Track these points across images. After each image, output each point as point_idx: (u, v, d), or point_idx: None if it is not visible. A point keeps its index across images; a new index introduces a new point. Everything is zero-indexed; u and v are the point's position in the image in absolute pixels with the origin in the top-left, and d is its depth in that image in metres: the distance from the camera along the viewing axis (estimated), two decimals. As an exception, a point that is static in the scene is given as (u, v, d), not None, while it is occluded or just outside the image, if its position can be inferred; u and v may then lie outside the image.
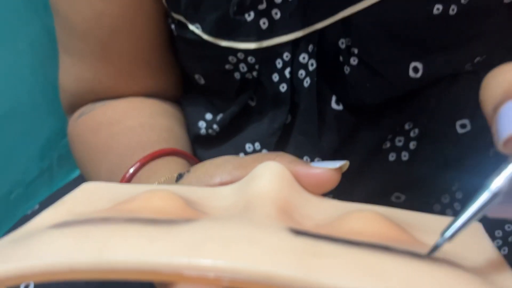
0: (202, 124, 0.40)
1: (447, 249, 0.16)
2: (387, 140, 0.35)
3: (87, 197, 0.20)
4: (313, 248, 0.14)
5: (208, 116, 0.40)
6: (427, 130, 0.35)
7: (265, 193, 0.18)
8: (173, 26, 0.37)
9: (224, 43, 0.33)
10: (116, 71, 0.39)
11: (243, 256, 0.14)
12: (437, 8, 0.30)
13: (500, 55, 0.35)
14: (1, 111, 0.46)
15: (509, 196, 0.15)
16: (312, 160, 0.35)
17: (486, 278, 0.15)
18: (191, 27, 0.35)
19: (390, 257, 0.14)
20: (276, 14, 0.32)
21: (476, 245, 0.17)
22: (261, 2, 0.32)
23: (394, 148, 0.36)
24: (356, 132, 0.35)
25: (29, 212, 0.40)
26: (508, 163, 0.15)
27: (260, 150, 0.37)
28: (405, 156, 0.36)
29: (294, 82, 0.34)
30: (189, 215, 0.17)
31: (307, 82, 0.33)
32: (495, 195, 0.15)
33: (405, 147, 0.36)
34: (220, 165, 0.22)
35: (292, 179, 0.19)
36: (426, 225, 0.19)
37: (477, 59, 0.34)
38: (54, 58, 0.42)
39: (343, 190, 0.36)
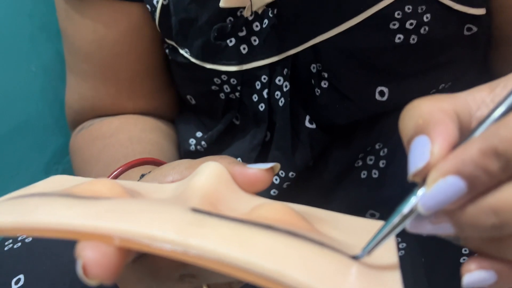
0: (192, 141, 0.43)
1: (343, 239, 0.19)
2: (358, 158, 0.38)
3: (52, 183, 0.23)
4: (200, 221, 0.17)
5: (198, 134, 0.43)
6: (396, 150, 0.38)
7: (199, 187, 0.21)
8: (167, 51, 0.41)
9: (209, 66, 0.37)
10: (115, 90, 0.43)
11: (131, 220, 0.17)
12: (399, 37, 0.34)
13: (465, 83, 0.38)
14: (11, 126, 0.50)
15: (420, 217, 0.17)
16: (286, 174, 0.37)
17: (373, 272, 0.17)
18: (181, 51, 0.39)
19: (266, 233, 0.17)
20: (255, 40, 0.36)
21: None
22: (241, 30, 0.35)
23: (365, 166, 0.38)
24: (329, 150, 0.38)
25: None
26: (416, 190, 0.17)
27: (241, 165, 0.40)
28: (375, 174, 0.38)
29: (271, 102, 0.37)
30: (121, 197, 0.20)
31: (281, 102, 0.36)
32: (405, 217, 0.17)
33: (376, 165, 0.38)
34: (174, 167, 0.25)
35: (229, 178, 0.22)
36: (337, 222, 0.22)
37: (442, 85, 0.37)
38: (63, 80, 0.47)
39: (318, 206, 0.38)
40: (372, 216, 0.39)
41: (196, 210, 0.18)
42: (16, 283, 0.35)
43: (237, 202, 0.21)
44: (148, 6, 0.38)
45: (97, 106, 0.44)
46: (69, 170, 0.58)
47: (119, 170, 0.34)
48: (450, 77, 0.37)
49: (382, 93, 0.35)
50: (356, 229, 0.21)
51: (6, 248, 0.39)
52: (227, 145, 0.41)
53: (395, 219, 0.18)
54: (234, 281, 0.22)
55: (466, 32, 0.35)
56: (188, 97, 0.42)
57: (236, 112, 0.40)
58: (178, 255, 0.16)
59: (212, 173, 0.21)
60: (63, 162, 0.55)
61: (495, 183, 0.17)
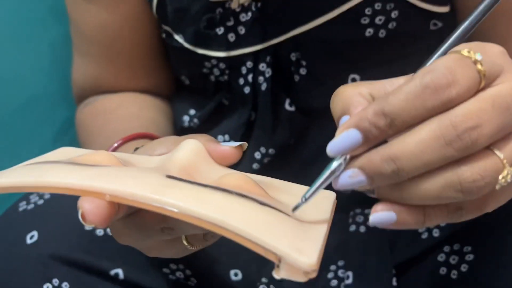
0: (186, 118, 0.47)
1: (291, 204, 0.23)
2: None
3: (60, 153, 0.29)
4: (171, 184, 0.22)
5: (192, 111, 0.47)
6: None
7: (178, 159, 0.25)
8: (164, 35, 0.45)
9: (200, 51, 0.41)
10: (116, 70, 0.47)
11: (119, 182, 0.22)
12: (369, 31, 0.37)
13: None
14: (22, 100, 0.54)
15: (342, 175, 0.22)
16: (267, 150, 0.42)
17: (304, 226, 0.22)
18: (176, 36, 0.43)
19: (221, 194, 0.22)
20: (241, 30, 0.40)
21: (319, 207, 0.25)
22: (229, 20, 0.39)
23: None
24: (307, 130, 0.42)
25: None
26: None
27: (229, 141, 0.44)
28: None
29: (255, 86, 0.41)
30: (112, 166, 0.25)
31: (264, 86, 0.40)
32: (333, 172, 0.22)
33: None
34: (161, 142, 0.30)
35: (205, 153, 0.27)
36: (287, 189, 0.27)
37: (410, 74, 0.41)
38: (70, 58, 0.51)
39: (298, 178, 0.43)
40: (345, 191, 0.44)
41: (170, 177, 0.23)
42: (31, 238, 0.40)
43: (210, 173, 0.26)
44: None
45: (100, 84, 0.48)
46: (75, 141, 0.63)
47: (118, 143, 0.39)
48: (417, 66, 0.41)
49: (354, 80, 0.40)
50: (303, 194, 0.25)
51: (20, 209, 0.44)
52: (217, 122, 0.46)
53: (325, 173, 0.22)
54: (209, 233, 0.27)
55: (432, 27, 0.39)
56: (182, 77, 0.47)
57: (225, 93, 0.44)
58: (152, 208, 0.21)
59: (190, 149, 0.26)
60: (69, 134, 0.60)
61: (384, 137, 0.21)
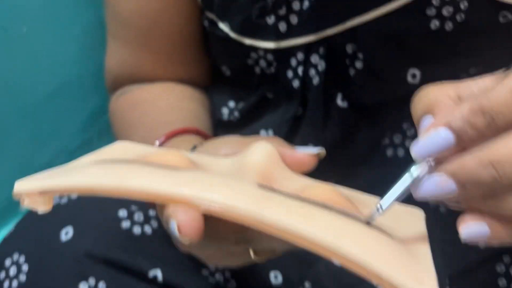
0: (225, 111, 0.45)
1: (383, 222, 0.21)
2: (386, 136, 0.40)
3: (118, 149, 0.26)
4: (267, 196, 0.20)
5: (231, 103, 0.45)
6: None
7: (252, 165, 0.23)
8: (206, 23, 0.43)
9: (248, 41, 0.39)
10: (154, 58, 0.45)
11: (217, 191, 0.20)
12: (434, 24, 0.34)
13: (495, 68, 0.39)
14: (52, 87, 0.53)
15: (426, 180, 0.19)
16: None
17: (402, 243, 0.20)
18: (221, 25, 0.40)
19: (322, 211, 0.20)
20: (294, 19, 0.37)
21: (409, 225, 0.22)
22: (281, 8, 0.36)
23: (392, 145, 0.40)
24: (357, 128, 0.39)
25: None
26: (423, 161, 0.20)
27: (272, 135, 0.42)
28: (401, 152, 0.40)
29: (305, 79, 0.38)
30: (191, 168, 0.23)
31: (316, 81, 0.38)
32: (415, 179, 0.20)
33: (402, 144, 0.40)
34: (226, 141, 0.27)
35: (278, 158, 0.25)
36: (359, 200, 0.24)
37: (473, 70, 0.38)
38: (103, 44, 0.49)
39: (344, 180, 0.40)
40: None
41: (261, 186, 0.21)
42: (66, 234, 0.39)
43: (287, 181, 0.24)
44: None
45: (135, 72, 0.46)
46: (105, 129, 0.61)
47: (161, 139, 0.36)
48: (481, 62, 0.38)
49: (413, 76, 0.37)
50: (396, 213, 0.23)
51: (53, 203, 0.42)
52: (259, 116, 0.43)
53: (405, 179, 0.20)
54: (278, 248, 0.24)
55: (501, 19, 0.36)
56: (223, 68, 0.44)
57: (270, 86, 0.41)
58: (254, 223, 0.19)
59: (264, 153, 0.24)
60: (99, 121, 0.58)
61: (480, 139, 0.19)
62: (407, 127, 0.39)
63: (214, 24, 0.41)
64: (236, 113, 0.44)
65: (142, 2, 0.42)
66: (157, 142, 0.37)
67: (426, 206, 0.41)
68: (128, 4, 0.42)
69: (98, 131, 0.59)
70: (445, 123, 0.19)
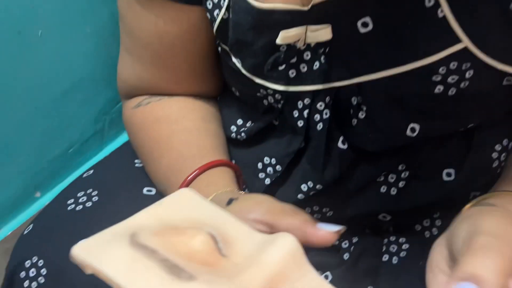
0: (233, 129, 0.47)
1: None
2: (381, 175, 0.42)
3: (178, 205, 0.29)
4: None
5: (239, 121, 0.47)
6: (416, 173, 0.41)
7: (269, 266, 0.24)
8: (219, 49, 0.43)
9: (258, 80, 0.40)
10: (169, 77, 0.46)
11: None
12: (438, 88, 0.36)
13: (492, 122, 0.40)
14: (67, 84, 0.54)
15: None
16: (314, 185, 0.42)
17: None
18: (234, 59, 0.41)
19: None
20: (304, 67, 0.38)
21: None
22: (293, 57, 0.37)
23: (386, 182, 0.42)
24: (356, 166, 0.41)
25: (84, 175, 0.49)
26: None
27: (275, 165, 0.44)
28: (393, 191, 0.42)
29: (310, 122, 0.40)
30: (208, 266, 0.25)
31: (319, 126, 0.39)
32: None
33: (395, 184, 0.42)
34: (257, 204, 0.30)
35: (301, 255, 0.25)
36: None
37: (471, 125, 0.39)
38: (115, 41, 0.49)
39: (339, 208, 0.43)
40: (384, 217, 0.44)
41: None
42: None
43: (299, 282, 0.25)
44: (208, 14, 0.40)
45: (149, 86, 0.47)
46: (116, 120, 0.63)
47: (197, 171, 0.39)
48: (479, 119, 0.39)
49: (413, 130, 0.38)
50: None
51: (69, 208, 0.46)
52: (265, 140, 0.45)
53: None
54: None
55: (505, 82, 0.37)
56: (233, 89, 0.46)
57: (276, 116, 0.43)
58: None
59: (287, 251, 0.25)
60: (110, 113, 0.60)
61: None
62: (402, 168, 0.42)
63: (227, 55, 0.42)
64: (242, 133, 0.46)
65: (161, 28, 0.42)
66: (190, 177, 0.39)
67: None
68: (147, 28, 0.43)
69: (109, 121, 0.61)
70: None
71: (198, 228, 0.27)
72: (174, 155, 0.43)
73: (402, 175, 0.42)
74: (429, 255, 0.28)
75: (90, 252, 0.26)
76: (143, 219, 0.28)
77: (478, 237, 0.26)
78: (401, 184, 0.42)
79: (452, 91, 0.36)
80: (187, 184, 0.40)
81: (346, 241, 0.45)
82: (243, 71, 0.40)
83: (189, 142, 0.44)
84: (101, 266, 0.25)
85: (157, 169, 0.45)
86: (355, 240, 0.44)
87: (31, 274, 0.43)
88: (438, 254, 0.28)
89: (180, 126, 0.45)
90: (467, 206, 0.32)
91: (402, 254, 0.45)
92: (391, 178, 0.42)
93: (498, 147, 0.42)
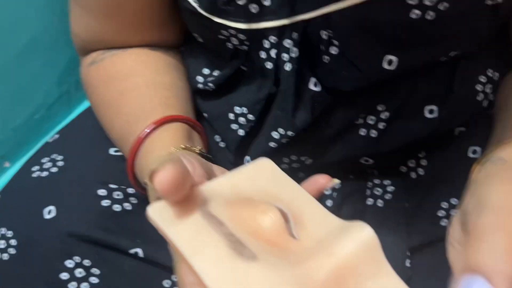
0: (199, 79, 0.44)
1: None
2: (360, 117, 0.39)
3: (256, 175, 0.29)
4: None
5: (205, 70, 0.43)
6: (397, 113, 0.39)
7: (341, 254, 0.22)
8: None
9: (217, 20, 0.36)
10: (121, 25, 0.42)
11: None
12: (415, 13, 0.32)
13: (473, 49, 0.37)
14: (22, 43, 0.50)
15: None
16: (285, 132, 0.39)
17: None
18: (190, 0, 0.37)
19: None
20: (266, 1, 0.34)
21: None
22: None
23: (365, 125, 0.39)
24: (331, 109, 0.39)
25: (50, 140, 0.46)
26: None
27: (246, 115, 0.41)
28: (374, 134, 0.40)
29: (278, 62, 0.37)
30: (274, 246, 0.23)
31: (288, 67, 0.36)
32: None
33: (375, 126, 0.39)
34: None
35: (377, 249, 0.23)
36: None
37: (452, 53, 0.36)
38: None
39: (318, 155, 0.41)
40: (366, 161, 0.42)
41: None
42: (49, 213, 0.40)
43: (372, 278, 0.23)
44: None
45: (103, 38, 0.44)
46: (80, 83, 0.59)
47: (150, 128, 0.37)
48: (460, 45, 0.36)
49: (390, 62, 0.35)
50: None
51: (33, 175, 0.43)
52: (235, 88, 0.42)
53: None
54: None
55: (488, 1, 0.34)
56: (195, 35, 0.42)
57: (243, 60, 0.40)
58: None
59: (361, 243, 0.23)
60: (74, 74, 0.56)
61: None
62: (382, 109, 0.39)
63: (182, -4, 0.38)
64: (210, 83, 0.43)
65: None
66: (147, 131, 0.37)
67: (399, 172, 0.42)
68: None
69: (75, 82, 0.57)
70: None
71: (270, 204, 0.26)
72: (125, 117, 0.40)
73: (382, 116, 0.39)
74: (448, 229, 0.27)
75: (162, 214, 0.25)
76: (219, 185, 0.28)
77: (483, 216, 0.24)
78: (381, 125, 0.39)
79: (430, 15, 0.32)
80: (141, 142, 0.37)
81: (328, 188, 0.43)
82: (200, 10, 0.37)
83: (140, 100, 0.40)
84: (169, 233, 0.24)
85: (112, 134, 0.42)
86: (337, 186, 0.42)
87: (1, 246, 0.41)
88: (455, 230, 0.26)
89: (129, 84, 0.42)
90: (476, 165, 0.30)
91: (388, 196, 0.43)
92: (371, 120, 0.39)
93: (482, 79, 0.39)
